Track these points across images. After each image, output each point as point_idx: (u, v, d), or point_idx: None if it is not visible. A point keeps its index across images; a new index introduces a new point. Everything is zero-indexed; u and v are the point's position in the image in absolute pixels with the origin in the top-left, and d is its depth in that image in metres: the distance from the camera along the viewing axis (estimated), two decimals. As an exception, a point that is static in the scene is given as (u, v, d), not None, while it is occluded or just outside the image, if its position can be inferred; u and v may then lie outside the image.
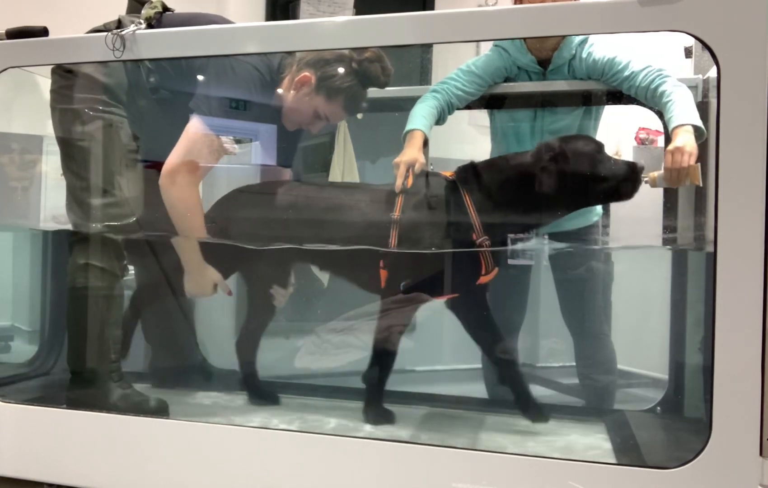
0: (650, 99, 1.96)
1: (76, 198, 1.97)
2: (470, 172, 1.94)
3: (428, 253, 1.92)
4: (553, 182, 1.83)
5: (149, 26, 1.83)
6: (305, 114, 2.03)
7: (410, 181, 1.92)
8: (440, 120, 2.09)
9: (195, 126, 1.92)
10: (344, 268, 2.11)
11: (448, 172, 1.97)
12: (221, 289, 2.07)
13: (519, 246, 1.92)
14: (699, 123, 1.82)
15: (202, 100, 1.94)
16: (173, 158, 1.91)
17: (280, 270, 2.17)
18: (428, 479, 1.55)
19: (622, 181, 1.83)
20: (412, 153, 1.96)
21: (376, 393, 1.98)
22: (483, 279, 1.92)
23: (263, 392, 2.18)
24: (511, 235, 1.90)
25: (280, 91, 2.01)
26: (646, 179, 1.85)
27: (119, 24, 1.82)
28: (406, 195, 1.91)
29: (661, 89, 1.93)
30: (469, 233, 1.87)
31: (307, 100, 1.99)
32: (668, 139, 1.97)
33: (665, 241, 2.04)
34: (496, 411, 2.13)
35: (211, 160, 1.97)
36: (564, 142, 1.88)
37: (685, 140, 1.79)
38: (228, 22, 1.96)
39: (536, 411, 1.98)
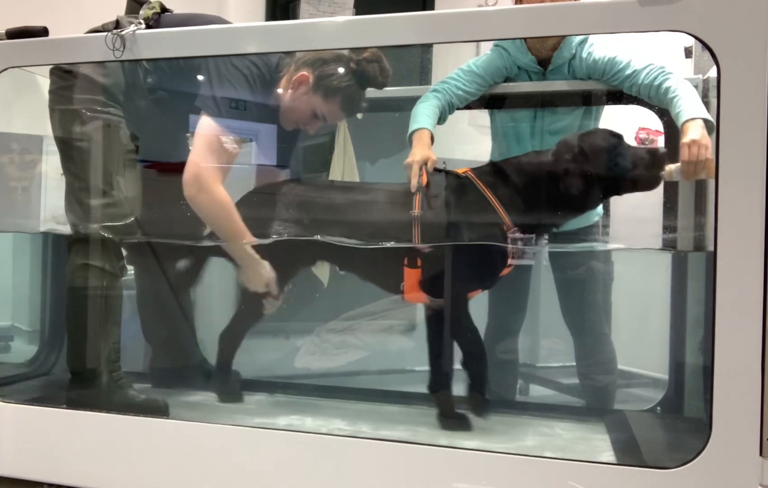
0: (654, 96, 1.96)
1: (75, 198, 1.97)
2: (489, 170, 1.95)
3: (453, 249, 1.91)
4: (577, 183, 1.83)
5: (147, 27, 1.83)
6: (303, 113, 2.02)
7: (425, 179, 1.91)
8: (441, 119, 2.08)
9: (206, 125, 1.91)
10: (365, 269, 2.09)
11: (461, 169, 1.97)
12: (272, 292, 2.03)
13: (541, 241, 1.94)
14: (708, 116, 1.82)
15: (209, 99, 1.93)
16: (192, 163, 1.89)
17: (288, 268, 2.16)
18: (428, 479, 1.55)
19: (647, 171, 1.84)
20: (423, 151, 1.94)
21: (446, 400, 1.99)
22: (505, 271, 1.93)
23: (231, 387, 2.18)
24: (525, 234, 1.90)
25: (278, 90, 2.01)
26: (662, 172, 1.86)
27: (117, 25, 1.82)
28: (422, 193, 1.90)
29: (665, 85, 1.92)
30: (497, 226, 1.87)
31: (304, 99, 1.99)
32: (668, 139, 1.97)
33: (665, 242, 2.04)
34: (496, 411, 2.13)
35: (227, 159, 1.96)
36: (582, 139, 1.88)
37: (700, 133, 1.79)
38: (225, 22, 1.96)
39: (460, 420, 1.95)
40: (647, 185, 1.88)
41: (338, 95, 1.98)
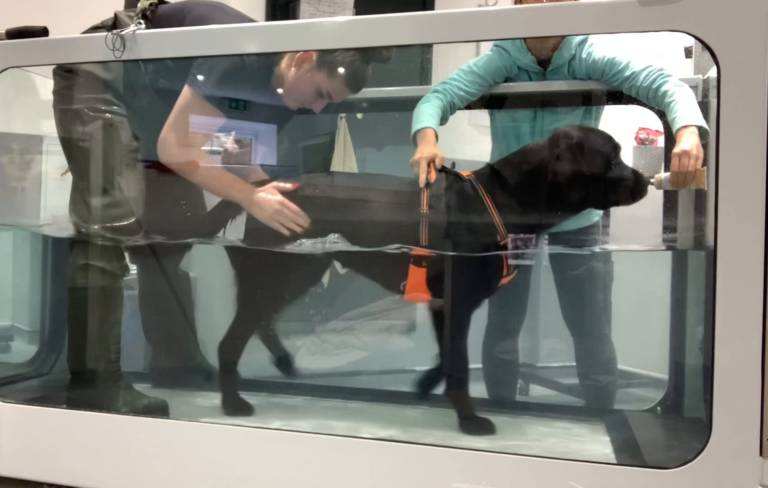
0: (652, 99, 1.96)
1: (81, 197, 1.96)
2: (488, 173, 1.93)
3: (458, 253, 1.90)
4: (566, 169, 1.81)
5: (144, 17, 1.82)
6: (307, 92, 1.98)
7: (433, 175, 1.89)
8: (442, 120, 2.08)
9: (187, 91, 1.91)
10: (369, 267, 2.07)
11: (465, 172, 1.96)
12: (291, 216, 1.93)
13: (538, 247, 1.92)
14: (703, 123, 1.81)
15: (196, 72, 1.92)
16: (166, 126, 1.91)
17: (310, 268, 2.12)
18: (428, 479, 1.55)
19: (629, 189, 1.84)
20: (429, 148, 1.93)
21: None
22: (504, 281, 1.91)
23: (240, 401, 2.04)
24: (522, 235, 1.88)
25: (280, 69, 1.98)
26: (652, 180, 1.85)
27: (116, 19, 1.82)
28: (430, 191, 1.88)
29: (663, 89, 1.92)
30: (492, 235, 1.85)
31: (308, 77, 1.95)
32: (669, 139, 1.96)
33: (665, 242, 2.04)
34: (496, 411, 2.13)
35: (201, 135, 1.96)
36: (583, 132, 1.86)
37: (692, 142, 1.78)
38: (221, 8, 1.94)
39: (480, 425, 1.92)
40: (621, 202, 1.88)
41: (342, 71, 1.94)
